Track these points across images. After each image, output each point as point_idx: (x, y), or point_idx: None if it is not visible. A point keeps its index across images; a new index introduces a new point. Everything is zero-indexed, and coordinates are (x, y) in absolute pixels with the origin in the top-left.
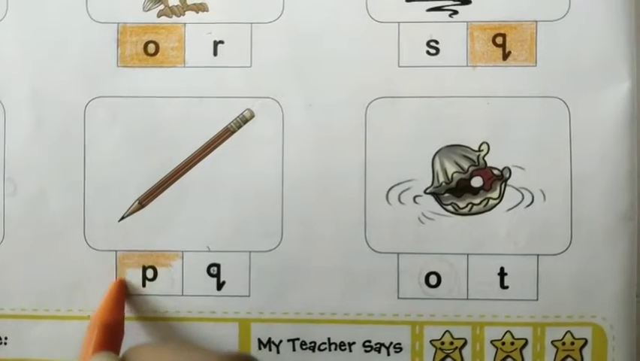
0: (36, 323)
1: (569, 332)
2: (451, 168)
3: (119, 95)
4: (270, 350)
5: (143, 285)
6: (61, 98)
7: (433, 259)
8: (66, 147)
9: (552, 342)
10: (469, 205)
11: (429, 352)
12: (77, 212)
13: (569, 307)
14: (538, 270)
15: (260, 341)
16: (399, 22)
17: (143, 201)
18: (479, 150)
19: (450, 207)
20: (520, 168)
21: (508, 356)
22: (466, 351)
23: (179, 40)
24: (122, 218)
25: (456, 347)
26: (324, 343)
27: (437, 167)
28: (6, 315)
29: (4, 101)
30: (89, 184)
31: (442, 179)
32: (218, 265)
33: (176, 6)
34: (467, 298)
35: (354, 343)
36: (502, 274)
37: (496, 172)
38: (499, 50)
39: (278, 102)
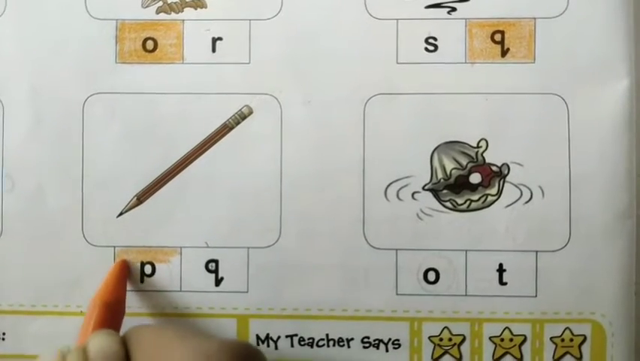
0: (34, 319)
1: (567, 328)
2: (449, 165)
3: (117, 92)
4: (269, 346)
5: (142, 281)
6: (59, 95)
7: (432, 256)
8: (64, 143)
9: (551, 338)
10: (468, 202)
11: (427, 348)
12: (75, 208)
13: (567, 304)
14: (537, 266)
15: (258, 337)
16: (397, 19)
17: (141, 197)
18: (478, 147)
19: (448, 204)
20: (519, 164)
21: (506, 353)
22: (465, 347)
23: (178, 36)
24: (121, 214)
25: (454, 344)
26: (323, 339)
27: (435, 163)
28: (4, 311)
29: (2, 98)
30: (87, 180)
31: (440, 175)
32: (216, 261)
33: (175, 3)
34: (466, 295)
35: (352, 339)
36: (500, 270)
37: (494, 169)
38: (498, 47)
39: (276, 99)
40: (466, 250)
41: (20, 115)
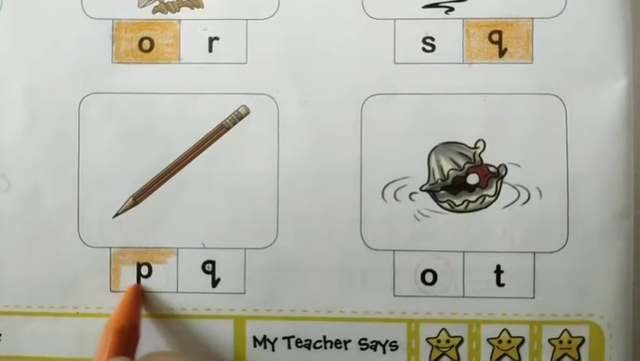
0: (30, 320)
1: (566, 330)
2: (447, 165)
3: (113, 92)
4: (265, 347)
5: (138, 282)
6: (55, 94)
7: (429, 257)
8: (60, 143)
9: (549, 340)
10: (465, 202)
11: (425, 350)
12: (71, 209)
13: (565, 306)
14: (535, 268)
15: (255, 339)
16: (395, 19)
17: (137, 198)
18: (475, 147)
19: (446, 205)
20: (517, 165)
21: (504, 355)
22: (463, 349)
23: (174, 36)
24: (117, 215)
25: (452, 345)
26: (320, 341)
27: (433, 164)
28: (0, 312)
29: None
30: (83, 181)
31: (437, 176)
32: (213, 262)
33: (171, 2)
34: (463, 296)
35: (349, 341)
36: (498, 271)
37: (492, 169)
38: (496, 47)
39: (273, 99)
40: (464, 251)
41: (16, 115)
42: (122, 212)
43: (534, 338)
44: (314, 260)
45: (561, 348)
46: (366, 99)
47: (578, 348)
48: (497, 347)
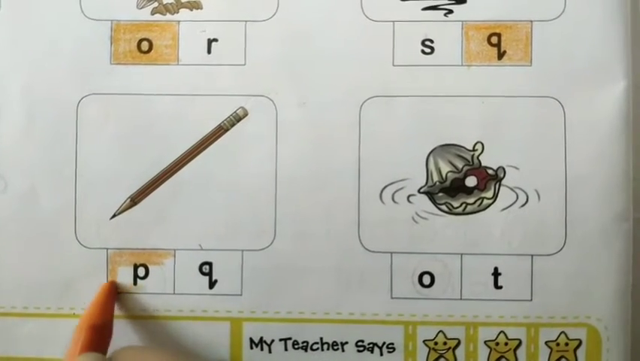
0: (26, 321)
1: (563, 332)
2: (445, 168)
3: (112, 93)
4: (262, 349)
5: (135, 283)
6: (53, 95)
7: (427, 259)
8: (58, 144)
9: (546, 343)
10: (463, 205)
11: (422, 352)
12: (69, 209)
13: (563, 308)
14: (533, 270)
15: (252, 341)
16: (394, 21)
17: (135, 199)
18: (474, 150)
19: (444, 207)
20: (515, 167)
21: (501, 357)
22: (460, 351)
23: (173, 37)
24: (114, 216)
25: (449, 348)
26: (317, 343)
27: (431, 166)
28: None
29: None
30: (80, 181)
31: (436, 178)
32: (210, 264)
33: (170, 4)
34: (461, 298)
35: (346, 343)
36: (496, 274)
37: (490, 172)
38: (494, 50)
39: (272, 100)
40: (462, 254)
41: (14, 115)
42: (120, 213)
43: (531, 340)
44: (311, 262)
45: (558, 351)
46: (365, 101)
47: (575, 351)
48: (494, 349)
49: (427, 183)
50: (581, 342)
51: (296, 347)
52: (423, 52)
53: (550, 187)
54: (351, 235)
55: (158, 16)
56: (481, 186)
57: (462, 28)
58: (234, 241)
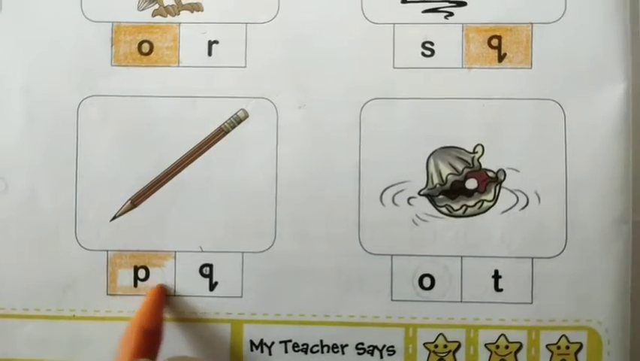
0: (26, 323)
1: (563, 335)
2: (445, 170)
3: (112, 94)
4: (262, 351)
5: (135, 285)
6: (54, 97)
7: (427, 262)
8: (58, 145)
9: (547, 346)
10: (464, 207)
11: (422, 355)
12: (69, 211)
13: (563, 311)
14: (533, 273)
15: (252, 343)
16: (394, 24)
17: (135, 201)
18: (474, 152)
19: (444, 209)
20: (515, 170)
21: (502, 360)
22: (460, 354)
23: (174, 39)
24: (114, 218)
25: (450, 350)
26: (317, 345)
27: (431, 168)
28: None
29: None
30: (80, 183)
31: (436, 181)
32: (210, 266)
33: (171, 5)
34: (461, 301)
35: (346, 345)
36: (496, 276)
37: (490, 174)
38: (495, 52)
39: (272, 102)
40: (462, 256)
41: (14, 116)
42: (120, 215)
43: (532, 343)
44: (311, 264)
45: (559, 354)
46: (365, 103)
47: (575, 354)
48: (495, 352)
49: (427, 185)
50: (581, 345)
51: (296, 349)
52: (423, 54)
53: (551, 190)
54: (352, 237)
55: (158, 18)
56: (481, 189)
57: (462, 31)
58: (235, 242)
